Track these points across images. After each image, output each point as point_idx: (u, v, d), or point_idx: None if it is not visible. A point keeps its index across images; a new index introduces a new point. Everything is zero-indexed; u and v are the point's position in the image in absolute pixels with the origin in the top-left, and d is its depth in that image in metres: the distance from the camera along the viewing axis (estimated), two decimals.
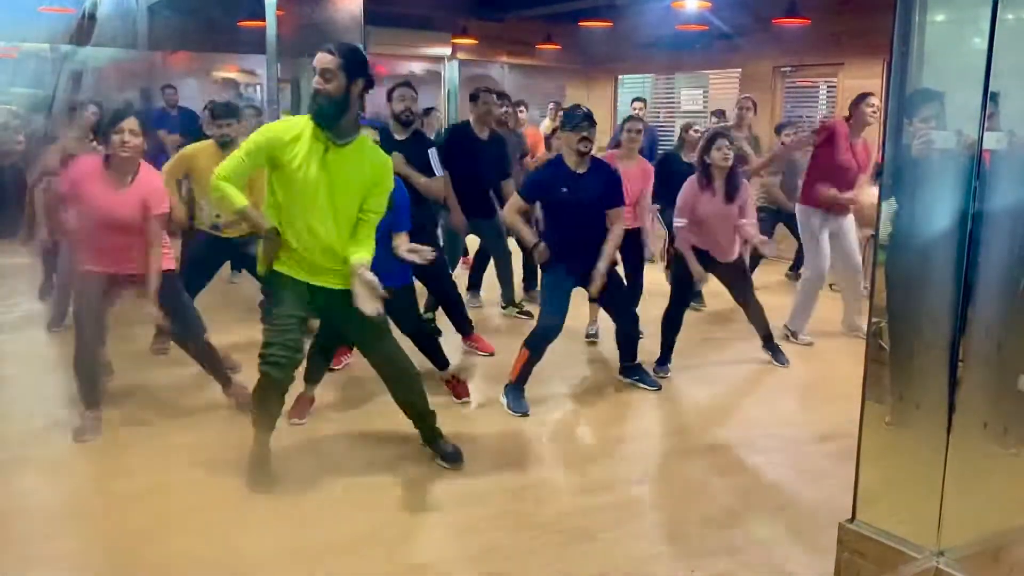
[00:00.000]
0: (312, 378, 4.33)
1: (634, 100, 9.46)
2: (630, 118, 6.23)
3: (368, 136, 4.05)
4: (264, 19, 7.41)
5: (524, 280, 7.03)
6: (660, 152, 8.03)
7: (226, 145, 4.98)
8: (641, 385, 4.98)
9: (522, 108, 8.73)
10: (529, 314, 6.46)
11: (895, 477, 2.71)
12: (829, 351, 5.96)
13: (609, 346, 5.98)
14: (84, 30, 9.45)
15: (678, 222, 5.21)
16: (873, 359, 2.72)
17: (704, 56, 10.62)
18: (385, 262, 3.81)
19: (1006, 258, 2.50)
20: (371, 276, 3.39)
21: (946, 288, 2.51)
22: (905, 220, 2.60)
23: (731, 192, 5.14)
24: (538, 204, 4.98)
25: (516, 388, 4.63)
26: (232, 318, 5.88)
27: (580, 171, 4.54)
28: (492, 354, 5.54)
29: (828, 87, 9.92)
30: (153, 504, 3.45)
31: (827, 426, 4.45)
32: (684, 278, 5.26)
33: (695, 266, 5.14)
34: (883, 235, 2.64)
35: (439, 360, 4.80)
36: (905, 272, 2.65)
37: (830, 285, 6.84)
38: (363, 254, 3.48)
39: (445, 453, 3.85)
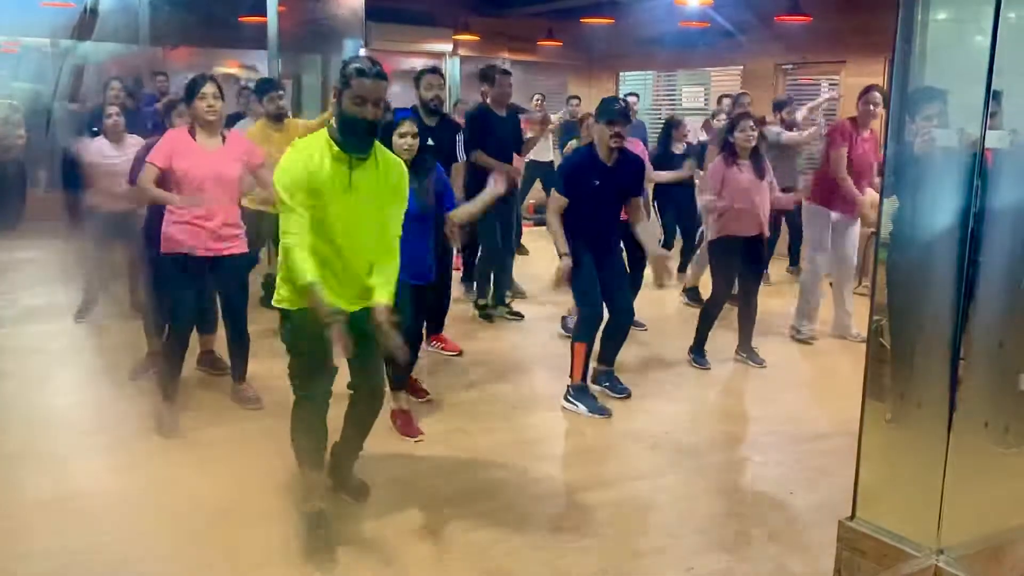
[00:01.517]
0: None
1: (628, 94, 9.60)
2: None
3: (408, 124, 3.95)
4: (265, 15, 7.41)
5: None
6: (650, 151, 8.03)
7: None
8: (609, 393, 4.78)
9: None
10: (520, 315, 6.37)
11: (895, 475, 2.71)
12: (829, 350, 5.95)
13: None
14: (85, 25, 9.44)
15: (707, 197, 5.31)
16: (874, 357, 2.72)
17: (706, 53, 10.59)
18: (417, 259, 3.87)
19: (1007, 257, 2.50)
20: (388, 325, 2.97)
21: (947, 286, 2.51)
22: (907, 218, 2.59)
23: (759, 169, 5.28)
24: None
25: (583, 389, 4.61)
26: None
27: (610, 163, 4.52)
28: (459, 353, 5.45)
29: (830, 85, 9.90)
30: (152, 501, 3.46)
31: (827, 424, 4.45)
32: (724, 269, 5.37)
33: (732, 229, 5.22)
34: (885, 233, 2.63)
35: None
36: (907, 270, 2.65)
37: (830, 283, 6.82)
38: (385, 296, 3.02)
39: (351, 485, 3.53)
